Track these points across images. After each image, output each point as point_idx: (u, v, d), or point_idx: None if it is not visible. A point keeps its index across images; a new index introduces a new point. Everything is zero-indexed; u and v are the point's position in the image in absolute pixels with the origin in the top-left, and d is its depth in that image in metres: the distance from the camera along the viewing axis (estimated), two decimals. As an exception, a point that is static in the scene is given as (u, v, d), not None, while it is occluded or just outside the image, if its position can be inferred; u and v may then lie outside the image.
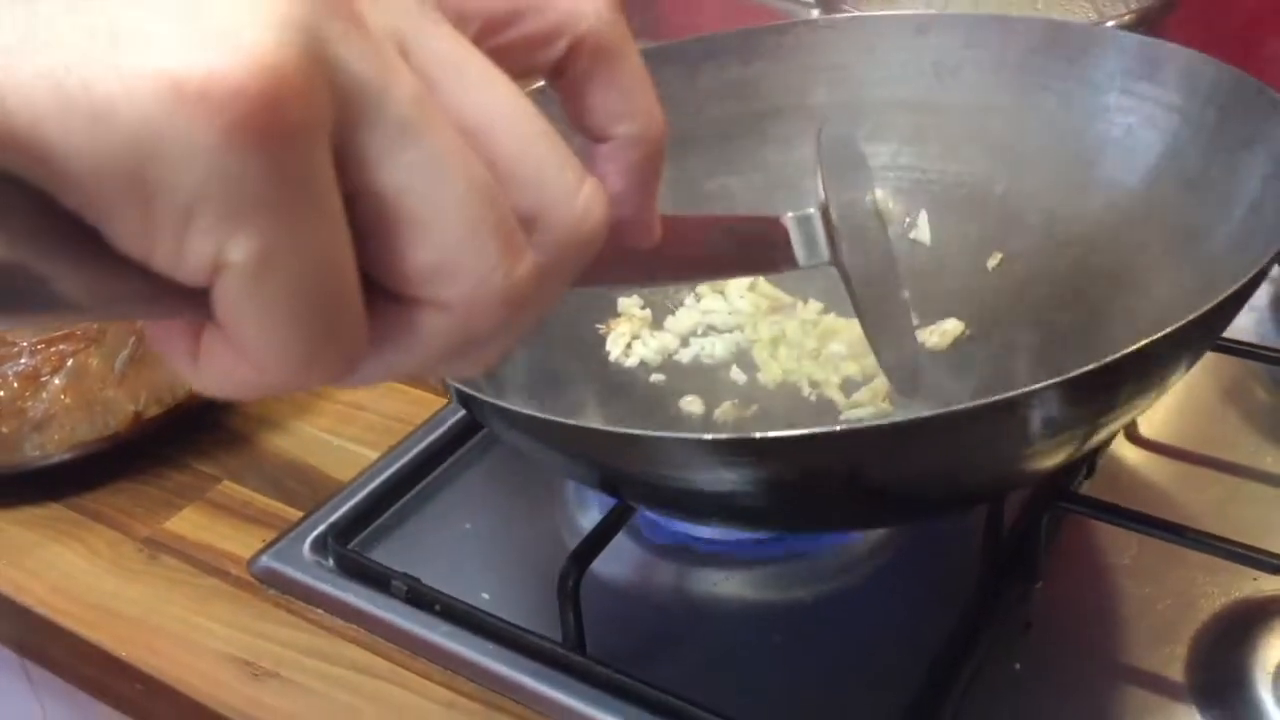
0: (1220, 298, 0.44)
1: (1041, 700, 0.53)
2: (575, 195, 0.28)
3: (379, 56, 0.24)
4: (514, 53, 0.29)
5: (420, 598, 0.59)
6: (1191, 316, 0.43)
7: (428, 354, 0.27)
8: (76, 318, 0.24)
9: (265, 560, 0.63)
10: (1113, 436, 0.64)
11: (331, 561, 0.62)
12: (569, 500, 0.65)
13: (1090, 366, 0.41)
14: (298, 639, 0.59)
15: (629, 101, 0.32)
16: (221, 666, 0.58)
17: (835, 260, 0.43)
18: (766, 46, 0.66)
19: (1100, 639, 0.55)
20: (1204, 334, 0.48)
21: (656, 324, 0.66)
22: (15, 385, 0.69)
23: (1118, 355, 0.42)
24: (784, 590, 0.59)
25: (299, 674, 0.57)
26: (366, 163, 0.24)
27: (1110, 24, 0.74)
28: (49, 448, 0.68)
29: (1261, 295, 0.76)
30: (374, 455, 0.69)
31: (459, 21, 0.28)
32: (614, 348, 0.64)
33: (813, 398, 0.63)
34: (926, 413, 0.41)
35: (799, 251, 0.43)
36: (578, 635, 0.55)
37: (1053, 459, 0.48)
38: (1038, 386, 0.41)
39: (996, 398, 0.41)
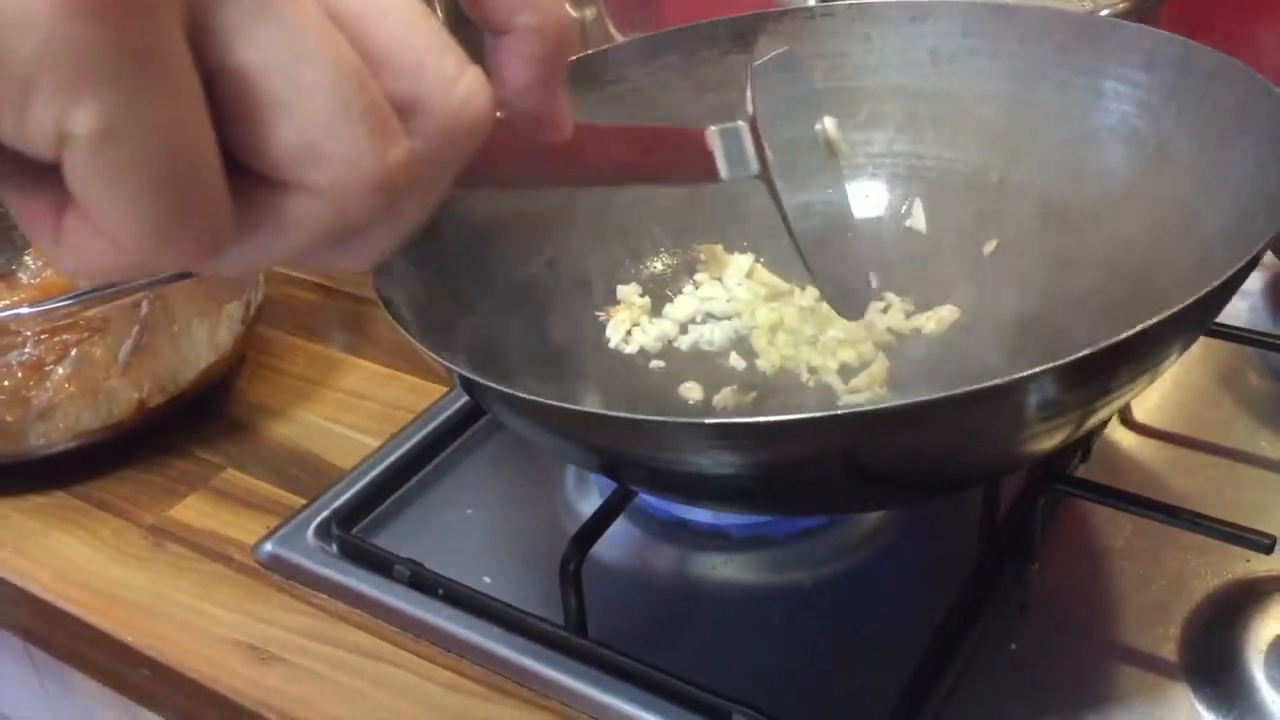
0: (1213, 285, 0.45)
1: (1037, 680, 0.53)
2: (455, 83, 0.27)
3: None
4: None
5: (423, 582, 0.60)
6: (1185, 303, 0.44)
7: (299, 240, 0.27)
8: None
9: (269, 546, 0.64)
10: (1108, 420, 0.65)
11: (335, 547, 0.63)
12: (569, 486, 0.66)
13: (1085, 351, 0.42)
14: (302, 624, 0.60)
15: None
16: (227, 651, 0.59)
17: (764, 175, 0.43)
18: (764, 33, 0.66)
19: (1095, 620, 0.56)
20: (1197, 319, 0.49)
21: (656, 311, 0.67)
22: (19, 375, 0.69)
23: (1112, 340, 0.42)
24: (782, 573, 0.60)
25: (304, 658, 0.58)
26: (224, 39, 0.24)
27: (1104, 14, 0.74)
28: (53, 436, 0.69)
29: (1256, 282, 0.77)
30: (375, 443, 0.70)
31: None
32: (614, 335, 0.65)
33: (811, 383, 0.63)
34: (923, 397, 0.42)
35: (721, 164, 0.42)
36: (579, 618, 0.55)
37: (1049, 442, 0.49)
38: (1033, 371, 0.42)
39: (992, 382, 0.42)
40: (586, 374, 0.63)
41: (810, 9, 0.66)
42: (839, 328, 0.64)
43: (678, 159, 0.43)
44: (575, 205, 0.65)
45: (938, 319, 0.64)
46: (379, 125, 0.26)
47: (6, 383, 0.69)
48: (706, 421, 0.44)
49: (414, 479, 0.67)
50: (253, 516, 0.67)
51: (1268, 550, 0.52)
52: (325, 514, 0.64)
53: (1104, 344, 0.42)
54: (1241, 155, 0.56)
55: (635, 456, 0.49)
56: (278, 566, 0.63)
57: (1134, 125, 0.61)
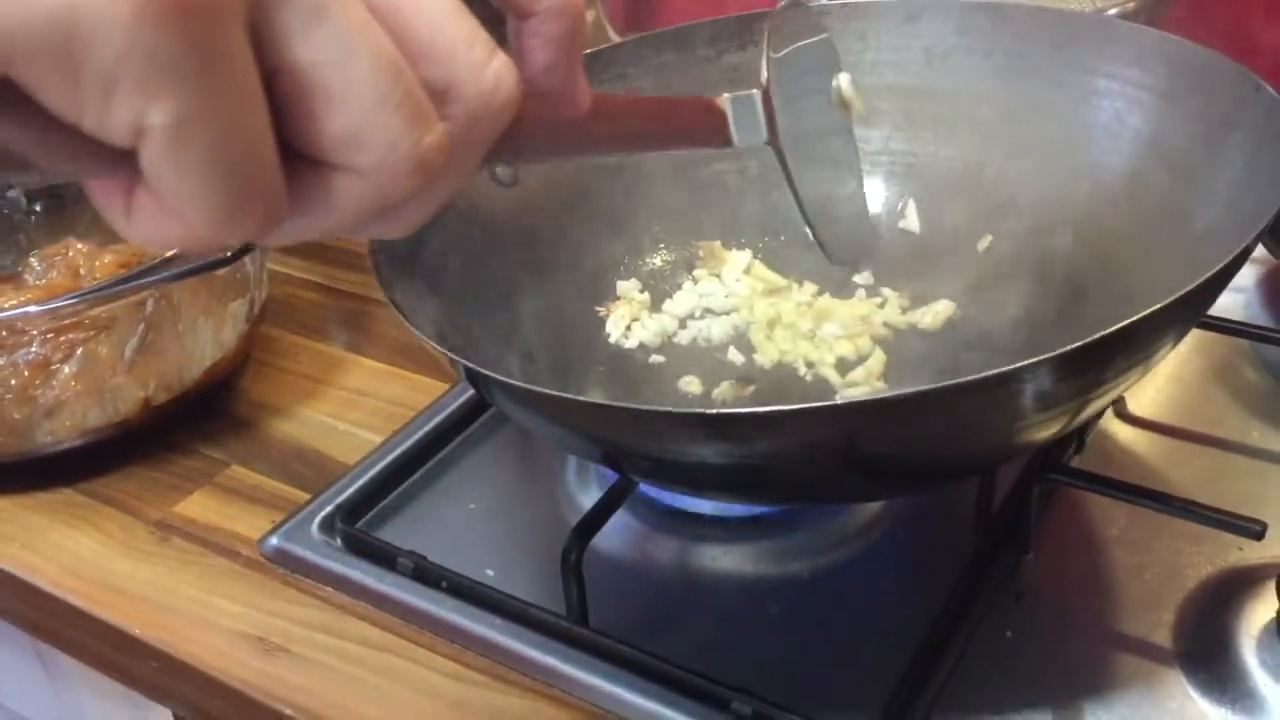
0: (1204, 277, 0.46)
1: (1033, 667, 0.54)
2: (484, 68, 0.30)
3: None
4: None
5: (426, 574, 0.60)
6: (1175, 295, 0.45)
7: (345, 216, 0.30)
8: (27, 175, 0.27)
9: (275, 540, 0.64)
10: (1103, 411, 0.66)
11: (339, 541, 0.63)
12: (569, 480, 0.66)
13: (1079, 343, 0.43)
14: (307, 616, 0.61)
15: None
16: (234, 643, 0.59)
17: (773, 143, 0.44)
18: (759, 32, 0.67)
19: (1090, 607, 0.57)
20: (1189, 312, 0.49)
21: (655, 307, 0.67)
22: (26, 373, 0.70)
23: (1106, 332, 0.43)
24: (781, 564, 0.61)
25: (309, 649, 0.59)
26: (282, 40, 0.27)
27: (1111, 12, 0.75)
28: (60, 434, 0.70)
29: (1248, 277, 0.77)
30: (378, 439, 0.71)
31: None
32: (614, 330, 0.66)
33: (808, 377, 0.64)
34: (920, 387, 0.43)
35: (735, 131, 0.44)
36: (581, 608, 0.56)
37: (1045, 432, 0.50)
38: (1029, 362, 0.43)
39: (989, 373, 0.43)
40: (587, 368, 0.64)
41: (807, 8, 0.66)
42: (836, 323, 0.65)
43: (692, 124, 0.44)
44: (575, 203, 0.66)
45: (933, 314, 0.64)
46: (415, 112, 0.28)
47: (14, 381, 0.70)
48: (708, 411, 0.45)
49: (417, 474, 0.68)
50: (257, 512, 0.67)
51: (1259, 537, 0.53)
52: (329, 508, 0.65)
53: (1098, 335, 0.43)
54: (1233, 152, 0.57)
55: (636, 446, 0.50)
56: (283, 560, 0.64)
57: (1127, 122, 0.62)
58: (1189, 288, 0.45)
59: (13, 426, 0.69)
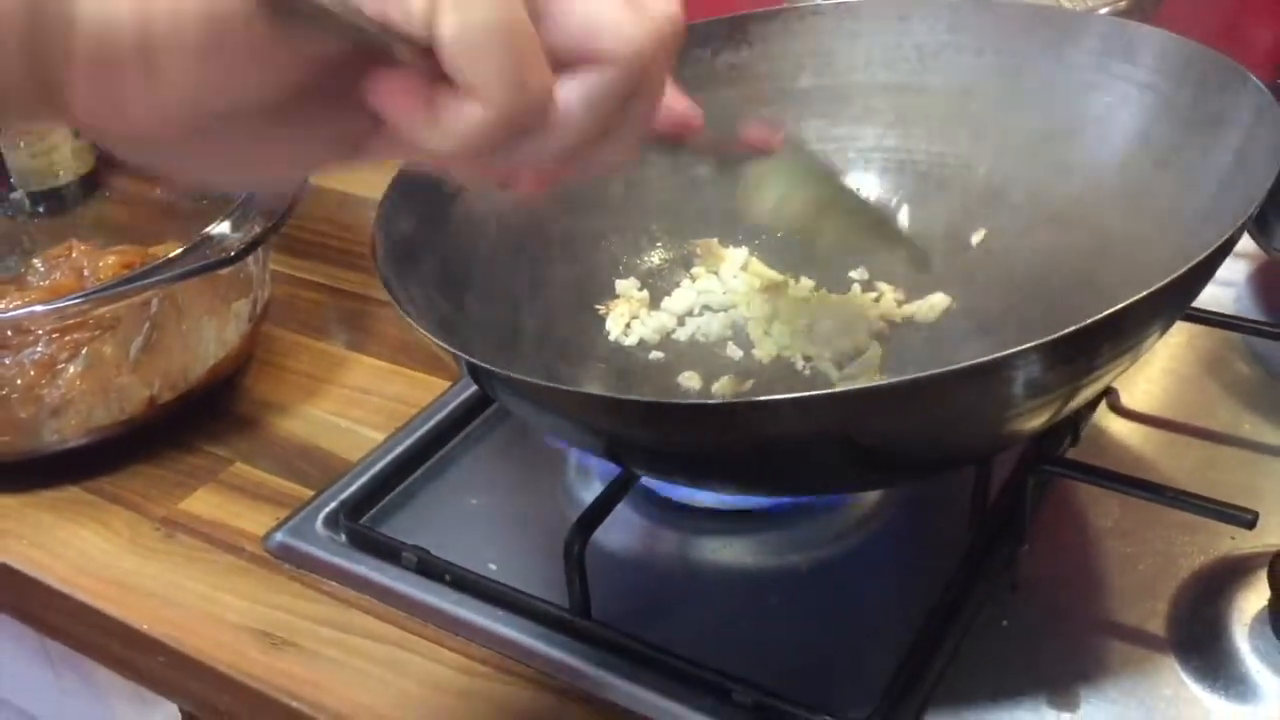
0: (1186, 267, 0.47)
1: (1029, 656, 0.55)
2: None
3: None
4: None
5: (430, 568, 0.61)
6: (1159, 284, 0.46)
7: (592, 113, 0.34)
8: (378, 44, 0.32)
9: (279, 536, 0.65)
10: (1095, 401, 0.66)
11: (344, 537, 0.64)
12: (570, 476, 0.67)
13: (1068, 330, 0.44)
14: (313, 610, 0.61)
15: None
16: (240, 638, 0.60)
17: None
18: (754, 33, 0.68)
19: (1084, 597, 0.58)
20: (1175, 300, 0.50)
21: (654, 304, 0.68)
22: (32, 373, 0.71)
23: (1093, 319, 0.44)
24: (780, 556, 0.61)
25: (315, 643, 0.60)
26: None
27: (1104, 10, 0.76)
28: (66, 433, 0.71)
29: (1239, 271, 0.78)
30: (380, 436, 0.72)
31: None
32: (614, 327, 0.66)
33: (806, 371, 0.65)
34: (912, 375, 0.43)
35: None
36: (583, 599, 0.57)
37: (1036, 420, 0.51)
38: (1020, 349, 0.44)
39: (980, 360, 0.43)
40: (588, 365, 0.65)
41: (800, 8, 0.68)
42: (833, 318, 0.65)
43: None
44: (573, 203, 0.66)
45: (930, 306, 0.65)
46: (631, 7, 0.34)
47: (20, 381, 0.71)
48: (708, 402, 0.46)
49: (419, 470, 0.69)
50: (261, 508, 0.68)
51: (1250, 526, 0.53)
52: (333, 505, 0.66)
53: (1086, 322, 0.44)
54: (1222, 146, 0.58)
55: (638, 438, 0.51)
56: (288, 556, 0.64)
57: (1117, 116, 0.63)
58: (1171, 277, 0.46)
59: (19, 425, 0.70)
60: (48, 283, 0.84)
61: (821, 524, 0.63)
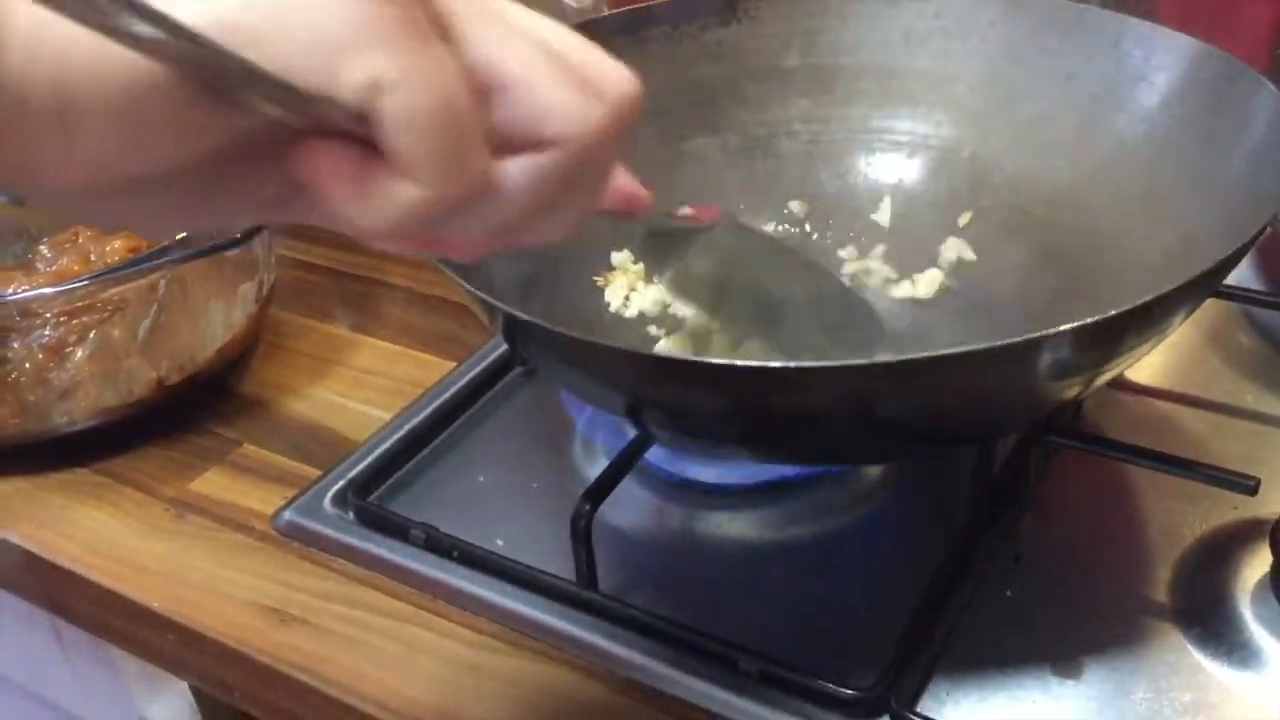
0: (1229, 252, 0.47)
1: (1033, 624, 0.55)
2: (620, 70, 0.36)
3: None
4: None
5: (438, 544, 0.62)
6: (1196, 273, 0.46)
7: (536, 190, 0.34)
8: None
9: (288, 515, 0.66)
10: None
11: (352, 514, 0.65)
12: (576, 453, 0.68)
13: (1099, 317, 0.45)
14: (322, 587, 0.62)
15: None
16: (250, 615, 0.61)
17: None
18: (743, 9, 0.69)
19: (1088, 566, 0.58)
20: (1204, 288, 0.50)
21: (649, 277, 0.69)
22: (40, 356, 0.71)
23: (1127, 308, 0.45)
24: (784, 529, 0.62)
25: (325, 619, 0.60)
26: (469, 44, 0.33)
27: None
28: (75, 415, 0.71)
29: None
30: (387, 416, 0.72)
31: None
32: (613, 299, 0.67)
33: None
34: (943, 350, 0.44)
35: None
36: (590, 572, 0.57)
37: (1059, 398, 0.51)
38: (1055, 331, 0.44)
39: (1013, 339, 0.44)
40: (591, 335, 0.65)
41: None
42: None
43: None
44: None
45: (926, 282, 0.66)
46: (583, 94, 0.34)
47: (28, 364, 0.71)
48: (740, 364, 0.46)
49: (426, 449, 0.69)
50: (270, 488, 0.69)
51: (1252, 492, 0.54)
52: (342, 483, 0.66)
53: (1117, 311, 0.45)
54: (1230, 148, 0.58)
55: (662, 398, 0.52)
56: (297, 534, 0.65)
57: (1102, 107, 0.64)
58: (1207, 267, 0.47)
59: (28, 408, 0.71)
60: (55, 268, 0.84)
61: (825, 497, 0.63)
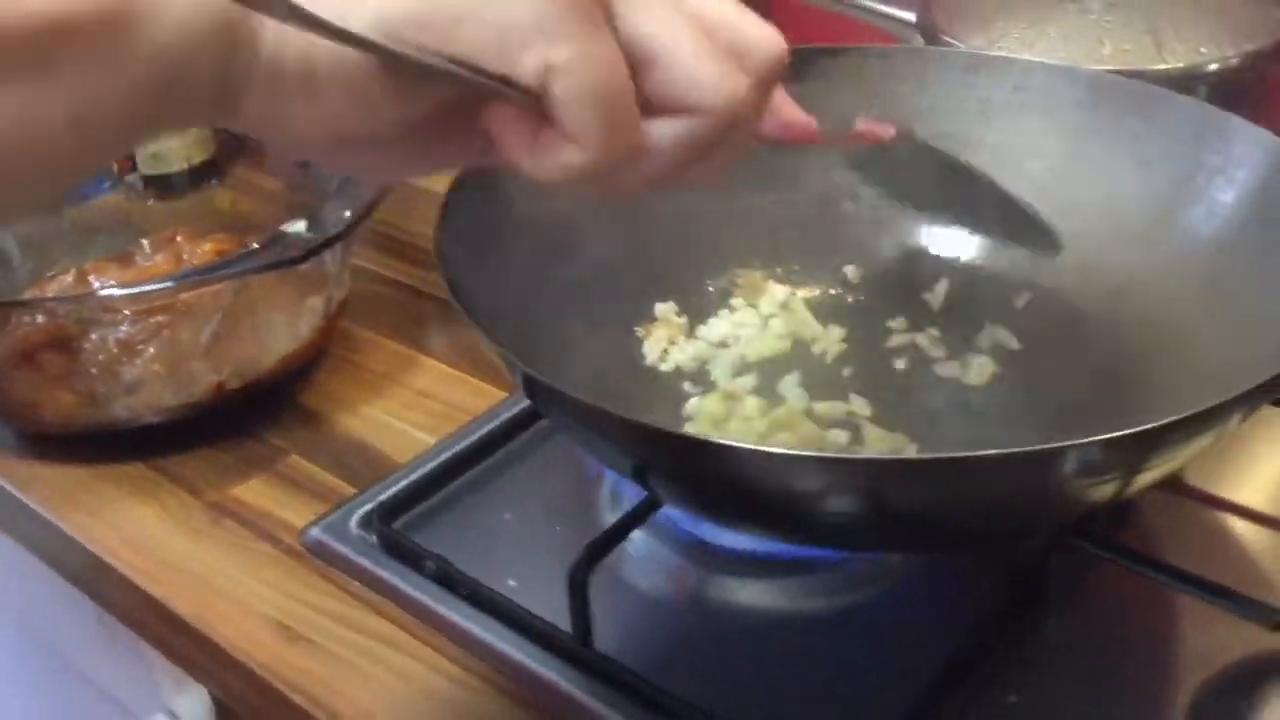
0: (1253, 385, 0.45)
1: (1033, 735, 0.53)
2: (765, 34, 0.42)
3: None
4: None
5: (448, 578, 0.62)
6: (1236, 393, 0.44)
7: (684, 152, 0.40)
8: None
9: (315, 532, 0.67)
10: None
11: (375, 538, 0.65)
12: (604, 501, 0.67)
13: (1129, 430, 0.43)
14: (335, 608, 0.63)
15: None
16: (261, 627, 0.62)
17: None
18: (821, 68, 0.67)
19: (1102, 680, 0.55)
20: (1250, 404, 0.48)
21: (691, 332, 0.68)
22: (115, 350, 0.74)
23: (1156, 424, 0.43)
24: (797, 601, 0.60)
25: (329, 640, 0.61)
26: (627, 23, 0.39)
27: (1213, 66, 0.73)
28: (137, 410, 0.74)
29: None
30: (432, 440, 0.73)
31: None
32: (650, 351, 0.66)
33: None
34: (961, 454, 0.43)
35: None
36: (584, 627, 0.57)
37: (1079, 507, 0.49)
38: (1071, 443, 0.43)
39: (1038, 447, 0.43)
40: (623, 388, 0.64)
41: (867, 49, 0.67)
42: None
43: None
44: (616, 225, 0.66)
45: (977, 369, 0.63)
46: (725, 63, 0.40)
47: (101, 356, 0.74)
48: (763, 449, 0.46)
49: (460, 479, 0.69)
50: (308, 502, 0.70)
51: (1275, 626, 0.50)
52: (371, 506, 0.67)
53: (1152, 425, 0.43)
54: None
55: (669, 470, 0.51)
56: (320, 552, 0.66)
57: (1179, 198, 0.61)
58: (1249, 387, 0.45)
59: (96, 399, 0.74)
60: (150, 263, 0.88)
61: (844, 572, 0.61)
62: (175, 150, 0.90)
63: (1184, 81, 0.71)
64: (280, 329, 0.75)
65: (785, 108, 0.47)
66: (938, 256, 0.69)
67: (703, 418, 0.64)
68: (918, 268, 0.69)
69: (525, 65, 0.37)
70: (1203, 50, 0.71)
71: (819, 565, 0.61)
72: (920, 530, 0.51)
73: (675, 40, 0.39)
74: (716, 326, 0.68)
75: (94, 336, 0.74)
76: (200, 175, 0.92)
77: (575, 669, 0.57)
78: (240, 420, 0.76)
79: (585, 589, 0.56)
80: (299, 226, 0.74)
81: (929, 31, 0.78)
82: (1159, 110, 0.63)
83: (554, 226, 0.64)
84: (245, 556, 0.67)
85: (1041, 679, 0.55)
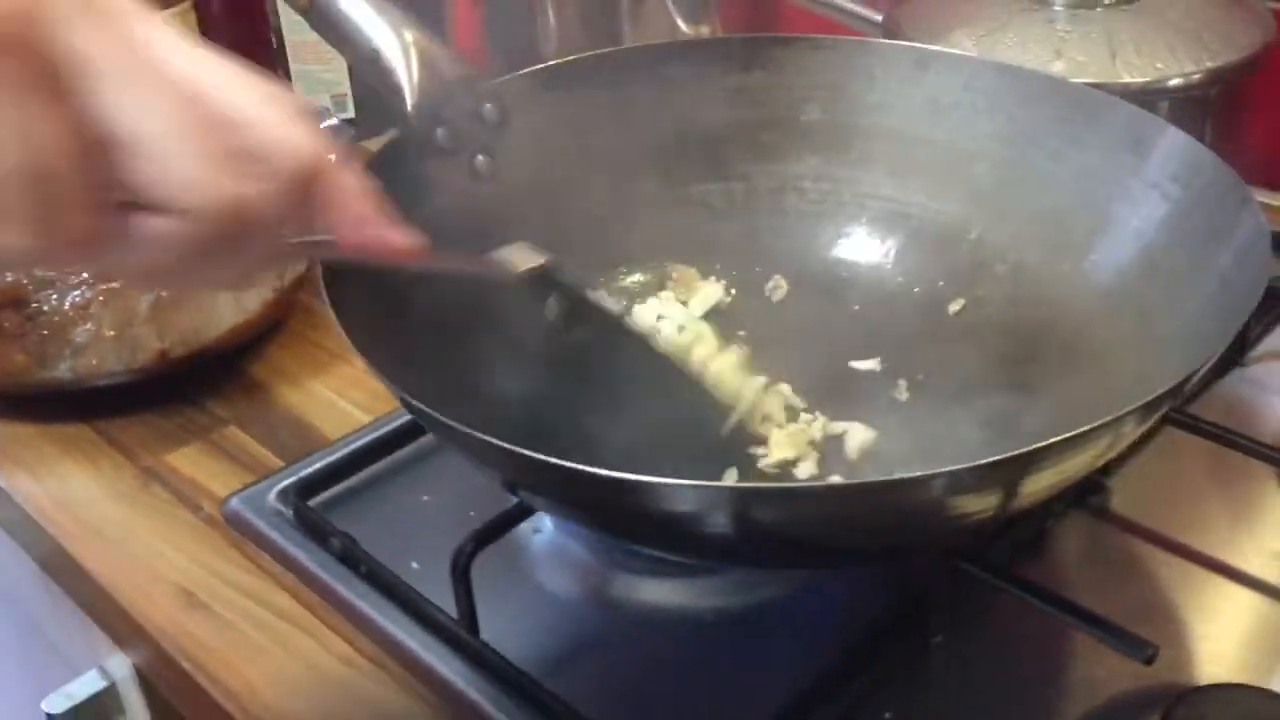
0: (1100, 421, 0.44)
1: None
2: (296, 141, 0.36)
3: (96, 32, 0.33)
4: None
5: (350, 556, 0.62)
6: (1084, 429, 0.43)
7: (166, 250, 0.35)
8: None
9: (234, 503, 0.67)
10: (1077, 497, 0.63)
11: (290, 513, 0.66)
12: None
13: (996, 457, 0.42)
14: (243, 580, 0.64)
15: None
16: (165, 593, 0.63)
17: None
18: (769, 57, 0.67)
19: (983, 705, 0.54)
20: (1111, 434, 0.46)
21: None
22: (70, 313, 0.75)
23: (1015, 452, 0.42)
24: (698, 599, 0.60)
25: (228, 610, 0.62)
26: (92, 102, 0.33)
27: (1175, 82, 0.71)
28: (80, 372, 0.74)
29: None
30: (366, 420, 0.73)
31: None
32: None
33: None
34: (818, 483, 0.43)
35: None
36: (470, 614, 0.57)
37: (955, 531, 0.49)
38: (930, 473, 0.42)
39: (885, 478, 0.44)
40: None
41: (818, 39, 0.66)
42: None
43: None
44: (552, 209, 0.66)
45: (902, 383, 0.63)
46: (223, 166, 0.35)
47: (56, 318, 0.75)
48: (598, 473, 0.45)
49: (386, 460, 0.70)
50: (237, 474, 0.71)
51: (1147, 661, 0.49)
52: (291, 480, 0.68)
53: (1015, 452, 0.42)
54: (1211, 261, 0.54)
55: (533, 486, 0.51)
56: (235, 522, 0.66)
57: (1116, 209, 0.60)
58: (1095, 424, 0.44)
59: (44, 359, 0.74)
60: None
61: (749, 573, 0.61)
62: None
63: (1146, 96, 0.70)
64: (226, 300, 0.76)
65: (369, 222, 0.41)
66: (868, 264, 0.68)
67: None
68: (850, 274, 0.68)
69: None
70: (1159, 65, 0.69)
71: (726, 565, 0.61)
72: (789, 552, 0.51)
73: (160, 132, 0.34)
74: (641, 314, 0.68)
75: (55, 298, 0.75)
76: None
77: (459, 657, 0.57)
78: (185, 388, 0.77)
79: (468, 575, 0.56)
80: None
81: (892, 33, 0.77)
82: (1102, 115, 0.62)
83: (474, 213, 0.63)
84: (164, 523, 0.68)
85: (921, 700, 0.54)
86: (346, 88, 1.07)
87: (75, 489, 0.71)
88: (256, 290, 0.78)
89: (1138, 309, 0.57)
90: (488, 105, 0.63)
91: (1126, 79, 0.69)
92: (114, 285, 0.75)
